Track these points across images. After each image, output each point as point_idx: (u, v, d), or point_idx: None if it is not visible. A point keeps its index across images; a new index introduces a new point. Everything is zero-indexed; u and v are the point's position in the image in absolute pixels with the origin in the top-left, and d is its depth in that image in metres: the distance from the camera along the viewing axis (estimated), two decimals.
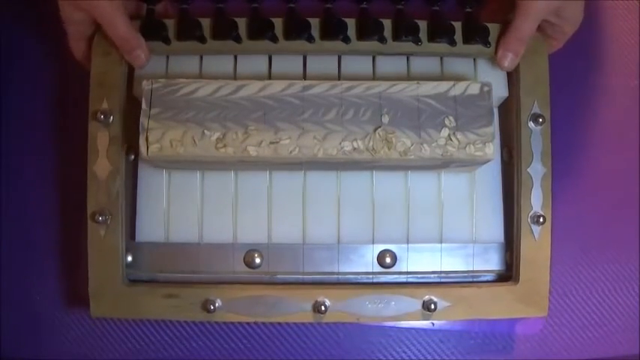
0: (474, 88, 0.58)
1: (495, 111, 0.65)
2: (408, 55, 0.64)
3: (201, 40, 0.62)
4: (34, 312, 0.67)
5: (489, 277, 0.65)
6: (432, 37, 0.63)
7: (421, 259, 0.64)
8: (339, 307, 0.61)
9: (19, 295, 0.68)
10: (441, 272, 0.64)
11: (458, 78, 0.63)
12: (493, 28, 0.63)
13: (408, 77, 0.64)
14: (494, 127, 0.59)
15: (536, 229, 0.62)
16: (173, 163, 0.60)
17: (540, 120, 0.62)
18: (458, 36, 0.63)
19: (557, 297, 0.68)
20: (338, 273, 0.64)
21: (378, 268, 0.64)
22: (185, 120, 0.57)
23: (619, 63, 0.72)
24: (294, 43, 0.62)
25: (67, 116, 0.70)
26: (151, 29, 0.62)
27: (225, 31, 0.62)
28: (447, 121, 0.57)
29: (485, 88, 0.58)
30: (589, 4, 0.70)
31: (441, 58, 0.64)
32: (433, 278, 0.64)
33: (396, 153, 0.56)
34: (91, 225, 0.61)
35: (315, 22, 0.63)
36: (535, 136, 0.62)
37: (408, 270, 0.64)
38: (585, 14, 0.61)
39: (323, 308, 0.60)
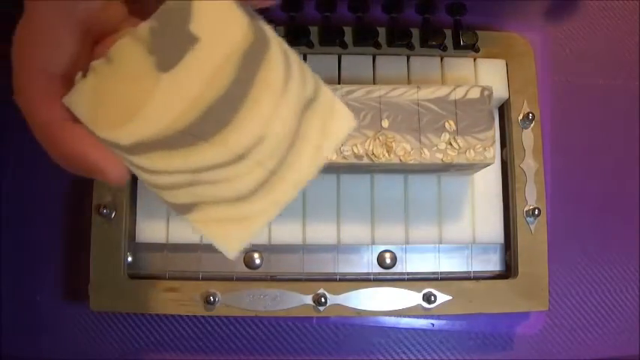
0: (475, 92, 0.57)
1: (496, 112, 0.65)
2: (408, 57, 0.65)
3: None
4: (34, 312, 0.67)
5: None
6: (424, 43, 0.65)
7: (420, 260, 0.64)
8: (339, 300, 0.61)
9: (19, 295, 0.67)
10: (440, 273, 0.64)
11: (458, 80, 0.63)
12: (482, 35, 0.65)
13: (408, 80, 0.64)
14: (495, 131, 0.59)
15: (532, 222, 0.63)
16: None
17: (530, 117, 0.64)
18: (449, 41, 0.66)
19: (557, 297, 0.67)
20: (338, 274, 0.64)
21: (377, 269, 0.64)
22: None
23: (619, 63, 0.72)
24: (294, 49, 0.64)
25: None
26: None
27: None
28: (447, 126, 0.56)
29: (486, 92, 0.57)
30: (589, 4, 0.70)
31: (441, 61, 0.64)
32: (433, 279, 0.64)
33: (396, 158, 0.56)
34: (95, 218, 0.62)
35: (314, 30, 0.65)
36: (526, 134, 0.64)
37: (408, 271, 0.64)
38: (585, 15, 0.60)
39: (323, 300, 0.60)
